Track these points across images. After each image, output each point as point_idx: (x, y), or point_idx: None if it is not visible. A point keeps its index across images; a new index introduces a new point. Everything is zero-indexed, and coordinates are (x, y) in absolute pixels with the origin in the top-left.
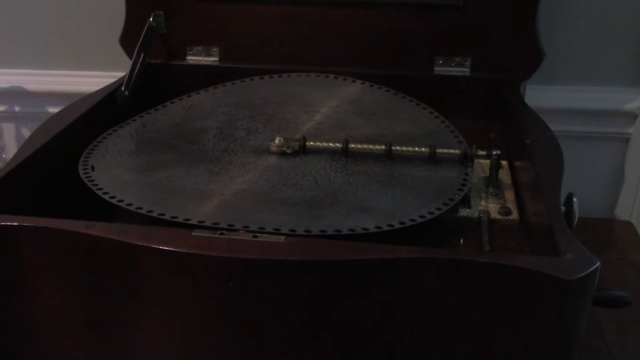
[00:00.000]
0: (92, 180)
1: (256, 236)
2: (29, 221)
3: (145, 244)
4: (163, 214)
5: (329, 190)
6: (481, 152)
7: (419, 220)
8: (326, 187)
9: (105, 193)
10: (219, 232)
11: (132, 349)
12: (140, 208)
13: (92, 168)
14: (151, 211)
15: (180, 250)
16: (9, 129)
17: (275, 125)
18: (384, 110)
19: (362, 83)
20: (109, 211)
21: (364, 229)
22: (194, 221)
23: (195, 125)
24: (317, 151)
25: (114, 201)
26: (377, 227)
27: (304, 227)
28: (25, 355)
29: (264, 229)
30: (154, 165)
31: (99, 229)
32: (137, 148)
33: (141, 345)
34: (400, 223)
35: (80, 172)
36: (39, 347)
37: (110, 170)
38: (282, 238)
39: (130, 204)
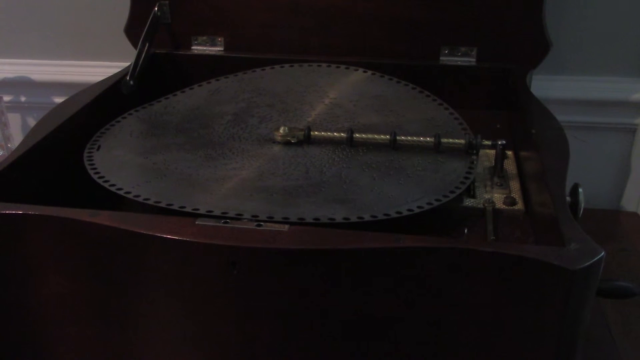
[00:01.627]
0: (92, 163)
1: (260, 225)
2: (34, 210)
3: (149, 233)
4: (146, 198)
5: (316, 180)
6: (486, 142)
7: (394, 215)
8: (314, 177)
9: (97, 173)
10: (222, 221)
11: (136, 337)
12: (129, 193)
13: (99, 147)
14: (131, 193)
15: (184, 238)
16: (15, 118)
17: (290, 115)
18: (402, 103)
19: (382, 76)
20: (115, 198)
21: (330, 218)
22: (162, 204)
23: (213, 110)
24: (322, 141)
25: (106, 185)
26: (344, 219)
27: (267, 213)
28: (30, 343)
29: (226, 213)
30: (157, 147)
31: (103, 218)
32: (150, 130)
33: (145, 333)
34: (372, 216)
35: (85, 156)
36: (44, 335)
37: (114, 150)
38: (286, 227)
39: (113, 185)
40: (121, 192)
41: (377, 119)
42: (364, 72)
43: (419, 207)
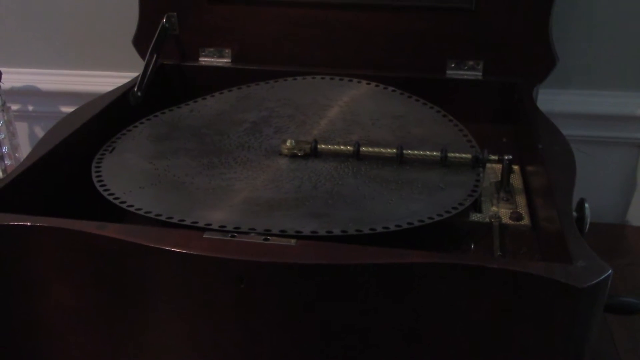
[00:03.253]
0: (99, 167)
1: (267, 239)
2: (42, 221)
3: (157, 246)
4: (129, 205)
5: (304, 194)
6: (493, 157)
7: (367, 231)
8: (305, 191)
9: (99, 177)
10: (230, 235)
11: (141, 350)
12: (132, 206)
13: (112, 150)
14: (119, 199)
15: (192, 252)
16: (22, 127)
17: (307, 128)
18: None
19: (401, 93)
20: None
21: (297, 231)
22: (141, 212)
23: (235, 116)
24: (329, 154)
25: (104, 193)
26: (312, 232)
27: (235, 224)
28: (35, 354)
29: (196, 222)
30: (166, 152)
31: (111, 230)
32: (169, 133)
33: (151, 346)
34: (343, 232)
35: (95, 160)
36: (49, 346)
37: (126, 153)
38: (294, 241)
39: (108, 190)
40: (116, 202)
41: (386, 134)
42: (395, 90)
43: (420, 221)
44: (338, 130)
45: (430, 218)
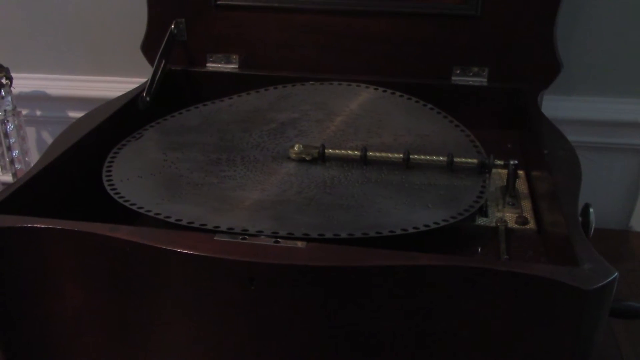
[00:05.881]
0: (115, 156)
1: (278, 241)
2: (55, 223)
3: (168, 248)
4: (121, 196)
5: (287, 197)
6: (499, 162)
7: (374, 234)
8: (289, 195)
9: (110, 164)
10: (241, 237)
11: (152, 351)
12: (138, 206)
13: (141, 136)
14: (115, 189)
15: (203, 254)
16: (30, 132)
17: (329, 134)
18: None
19: (424, 105)
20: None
21: (258, 231)
22: (127, 204)
23: (268, 115)
24: (337, 159)
25: (116, 197)
26: (289, 234)
27: (203, 220)
28: (47, 353)
29: (169, 217)
30: (183, 144)
31: (123, 233)
32: (197, 126)
33: (162, 347)
34: (349, 235)
35: (105, 166)
36: (61, 346)
37: (149, 141)
38: (303, 244)
39: (124, 199)
40: (126, 204)
41: (392, 138)
42: (410, 99)
43: (425, 225)
44: (360, 138)
45: (435, 223)
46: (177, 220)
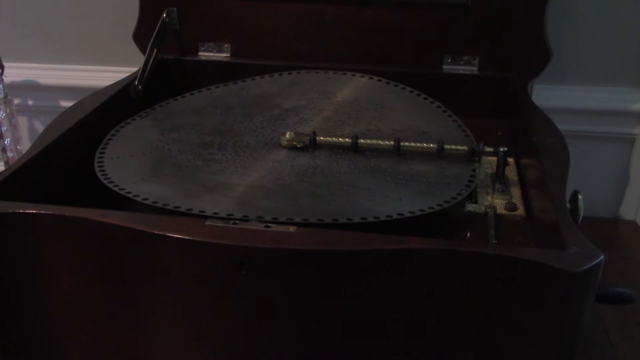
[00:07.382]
0: (114, 136)
1: (268, 226)
2: (47, 209)
3: (160, 233)
4: (106, 176)
5: (270, 185)
6: (488, 149)
7: (358, 220)
8: (269, 180)
9: (106, 145)
10: (232, 222)
11: (145, 335)
12: (114, 184)
13: (144, 115)
14: (124, 189)
15: (195, 238)
16: (22, 122)
17: (329, 124)
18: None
19: (418, 95)
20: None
21: (229, 214)
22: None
23: (275, 101)
24: (328, 146)
25: (106, 181)
26: (258, 217)
27: (176, 203)
28: (41, 340)
29: (146, 199)
30: (182, 125)
31: (115, 218)
32: (203, 108)
33: (154, 331)
34: (333, 220)
35: (103, 143)
36: (54, 332)
37: (152, 121)
38: (294, 228)
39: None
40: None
41: (381, 125)
42: (412, 91)
43: (410, 212)
44: (358, 127)
45: (430, 208)
46: (143, 199)
